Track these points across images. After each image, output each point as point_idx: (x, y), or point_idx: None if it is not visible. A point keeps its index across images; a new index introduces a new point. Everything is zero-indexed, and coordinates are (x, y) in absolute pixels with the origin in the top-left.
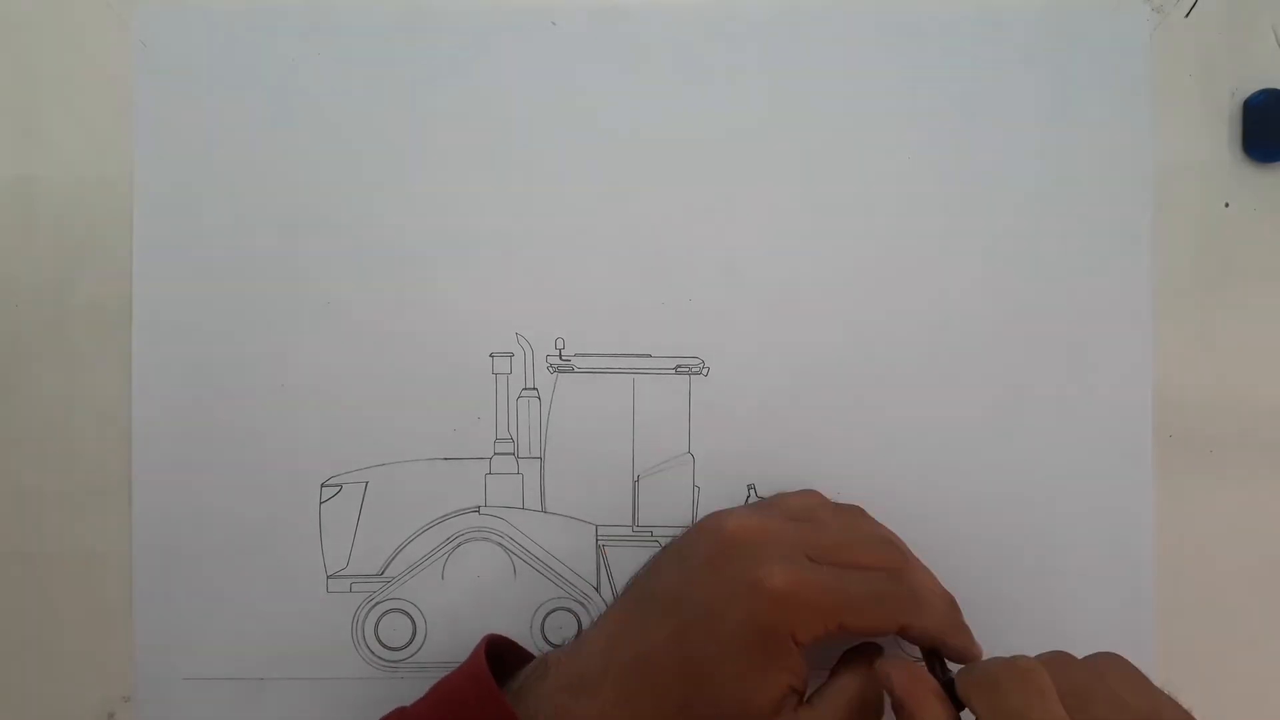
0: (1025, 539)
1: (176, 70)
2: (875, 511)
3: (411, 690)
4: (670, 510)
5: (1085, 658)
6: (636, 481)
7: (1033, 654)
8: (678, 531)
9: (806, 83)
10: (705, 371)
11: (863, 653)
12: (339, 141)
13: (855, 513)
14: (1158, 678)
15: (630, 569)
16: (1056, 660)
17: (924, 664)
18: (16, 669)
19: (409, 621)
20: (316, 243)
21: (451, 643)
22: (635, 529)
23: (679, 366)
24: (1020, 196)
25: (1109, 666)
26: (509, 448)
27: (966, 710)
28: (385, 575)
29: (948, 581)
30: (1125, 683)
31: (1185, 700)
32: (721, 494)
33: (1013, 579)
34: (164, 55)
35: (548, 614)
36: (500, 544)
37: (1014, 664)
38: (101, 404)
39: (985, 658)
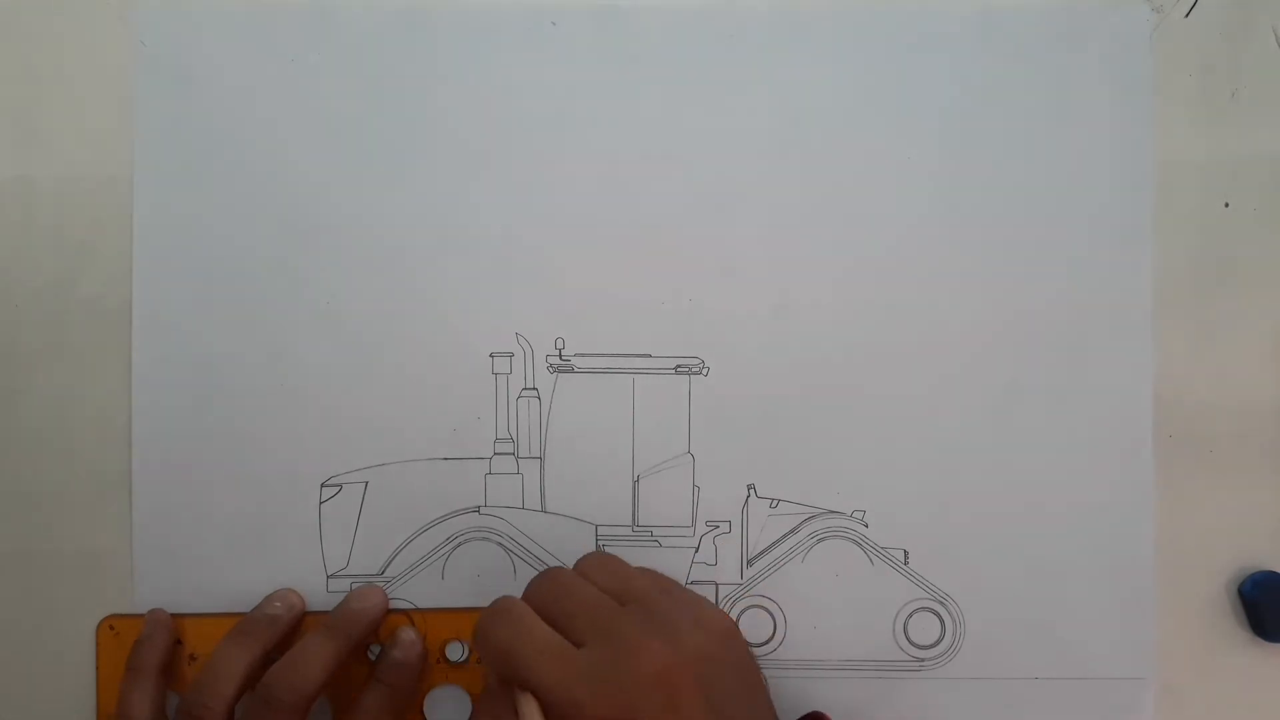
0: (1025, 538)
1: (176, 70)
2: (875, 512)
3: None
4: (670, 510)
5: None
6: (636, 481)
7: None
8: (677, 531)
9: (806, 82)
10: (705, 371)
11: None
12: (339, 141)
13: None
14: (1158, 678)
15: None
16: (539, 581)
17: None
18: (16, 669)
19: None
20: (316, 243)
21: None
22: (635, 529)
23: (679, 366)
24: (1020, 196)
25: (588, 564)
26: (509, 448)
27: None
28: (385, 575)
29: (949, 580)
30: (600, 571)
31: (1185, 700)
32: (721, 494)
33: (1013, 578)
34: (164, 55)
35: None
36: (500, 544)
37: (491, 607)
38: (101, 404)
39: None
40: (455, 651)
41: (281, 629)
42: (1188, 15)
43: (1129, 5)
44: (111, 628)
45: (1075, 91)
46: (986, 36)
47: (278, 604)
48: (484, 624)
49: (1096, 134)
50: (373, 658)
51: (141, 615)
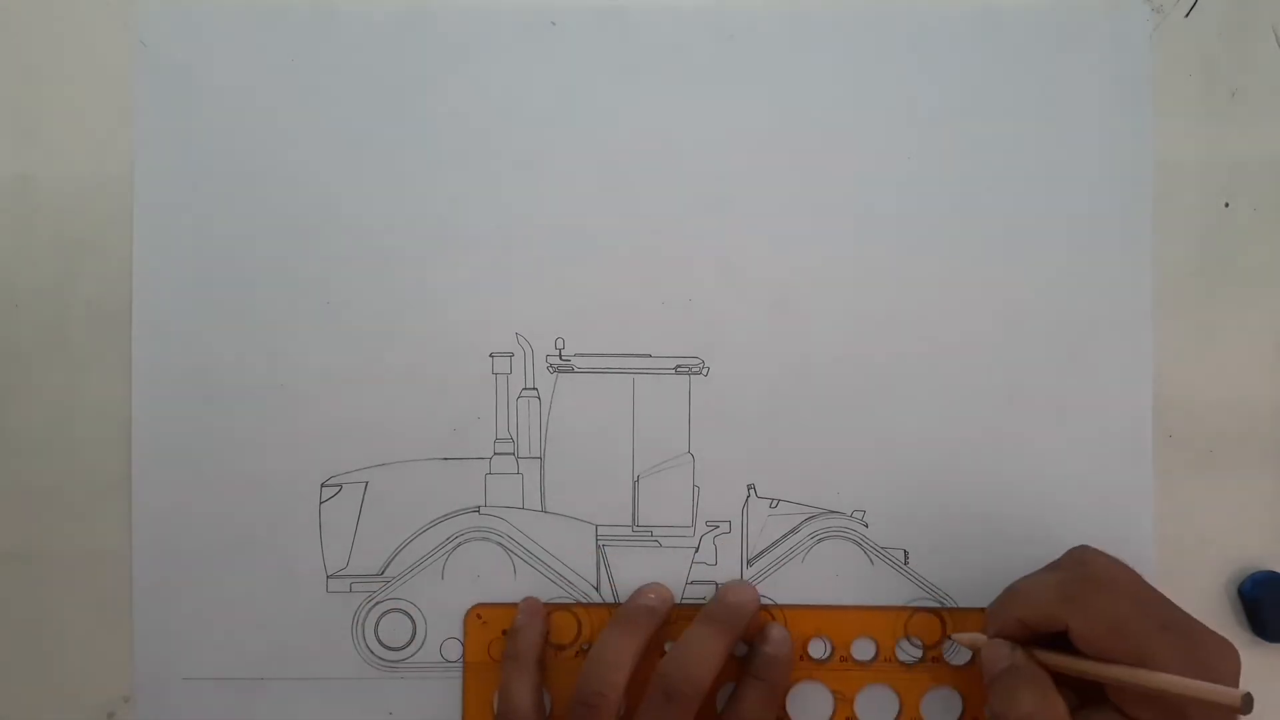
0: (1025, 539)
1: (176, 70)
2: (875, 512)
3: (411, 690)
4: (670, 510)
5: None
6: (636, 481)
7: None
8: (677, 531)
9: (806, 82)
10: (705, 371)
11: None
12: (339, 141)
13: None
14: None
15: (630, 568)
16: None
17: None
18: (16, 669)
19: (409, 621)
20: (316, 243)
21: (451, 643)
22: (635, 529)
23: (679, 366)
24: (1020, 196)
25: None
26: (509, 448)
27: None
28: (385, 575)
29: (948, 580)
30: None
31: None
32: (721, 494)
33: (1012, 579)
34: (164, 55)
35: (547, 614)
36: (500, 544)
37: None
38: (101, 404)
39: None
40: (818, 649)
41: (659, 620)
42: (1188, 15)
43: (1129, 5)
44: (479, 616)
45: (1075, 91)
46: (986, 36)
47: (652, 595)
48: (1085, 594)
49: (1096, 134)
50: (740, 655)
51: (509, 604)
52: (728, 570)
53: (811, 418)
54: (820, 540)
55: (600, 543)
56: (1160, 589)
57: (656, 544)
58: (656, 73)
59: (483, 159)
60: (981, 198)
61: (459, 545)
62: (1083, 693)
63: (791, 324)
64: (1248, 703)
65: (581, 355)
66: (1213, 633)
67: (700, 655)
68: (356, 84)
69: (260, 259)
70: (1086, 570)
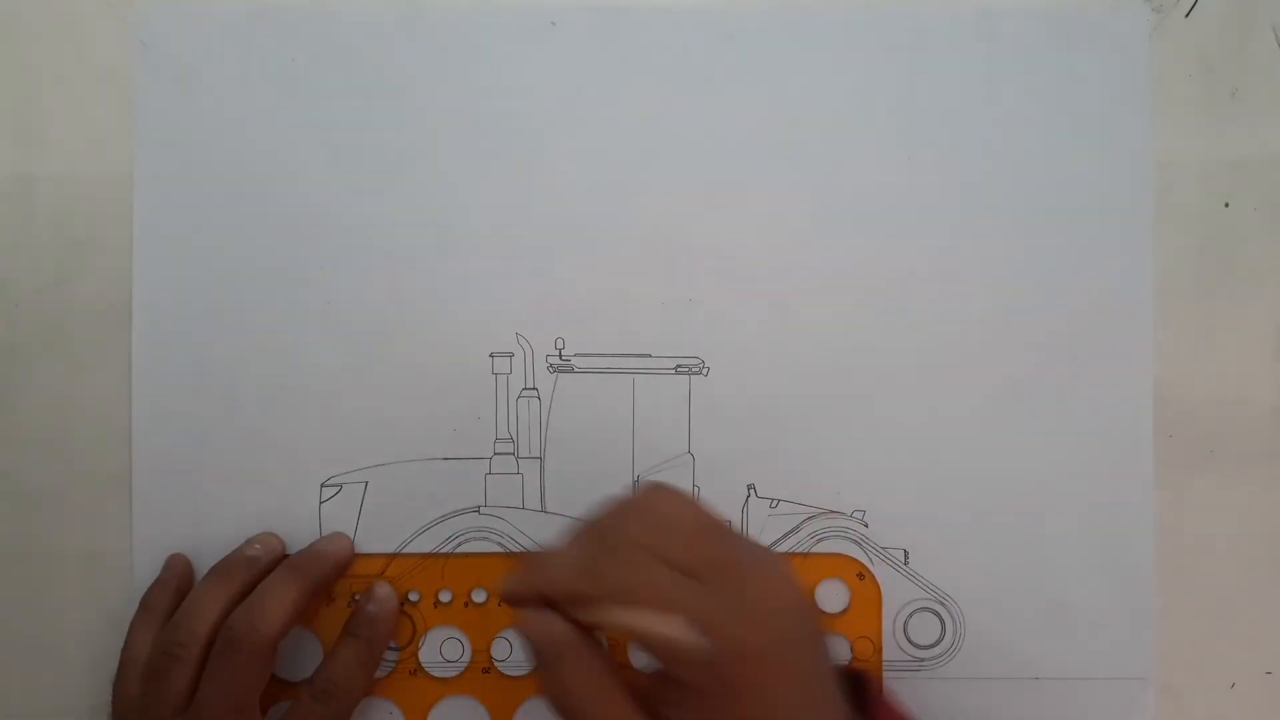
0: (1025, 538)
1: (176, 70)
2: (875, 511)
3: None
4: None
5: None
6: (636, 481)
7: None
8: None
9: (806, 81)
10: (705, 371)
11: None
12: (339, 141)
13: None
14: (1158, 678)
15: None
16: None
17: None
18: (16, 669)
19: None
20: (316, 243)
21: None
22: None
23: (679, 366)
24: (1020, 196)
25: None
26: (509, 448)
27: None
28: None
29: (949, 580)
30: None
31: (1185, 700)
32: (721, 494)
33: (1013, 579)
34: (164, 55)
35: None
36: (500, 544)
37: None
38: (101, 404)
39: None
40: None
41: (259, 570)
42: (1188, 15)
43: (1129, 5)
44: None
45: (1075, 91)
46: (985, 36)
47: (257, 546)
48: (602, 566)
49: (1096, 134)
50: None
51: None
52: None
53: (811, 418)
54: (820, 540)
55: None
56: (1160, 589)
57: None
58: (656, 73)
59: (483, 159)
60: (981, 198)
61: (459, 545)
62: None
63: (791, 324)
64: (699, 648)
65: (581, 355)
66: (761, 560)
67: (268, 605)
68: (356, 84)
69: (260, 259)
70: (603, 534)
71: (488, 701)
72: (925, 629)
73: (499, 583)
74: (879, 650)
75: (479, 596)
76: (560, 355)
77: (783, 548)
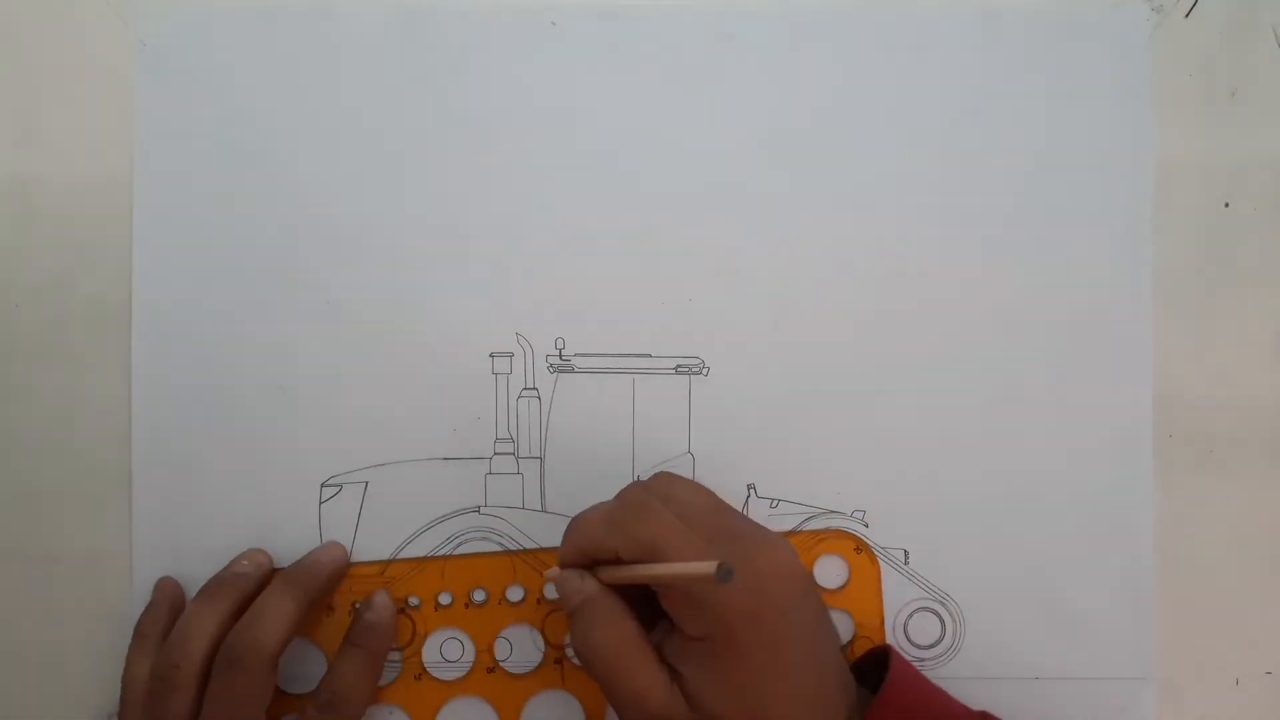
0: (1025, 539)
1: (176, 70)
2: (875, 511)
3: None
4: None
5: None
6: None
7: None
8: None
9: (806, 82)
10: (705, 371)
11: None
12: (339, 141)
13: None
14: (1158, 677)
15: None
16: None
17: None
18: (16, 669)
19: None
20: (316, 243)
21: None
22: None
23: (679, 366)
24: (1020, 196)
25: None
26: (509, 448)
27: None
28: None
29: (949, 580)
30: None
31: (1185, 700)
32: (722, 494)
33: (1012, 578)
34: (164, 55)
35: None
36: (500, 544)
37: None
38: (101, 404)
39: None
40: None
41: (249, 586)
42: (1188, 15)
43: (1129, 5)
44: None
45: (1075, 91)
46: (986, 36)
47: (245, 562)
48: (628, 524)
49: (1096, 134)
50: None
51: None
52: None
53: (811, 418)
54: (820, 540)
55: None
56: (1160, 589)
57: None
58: (656, 72)
59: (482, 159)
60: (981, 197)
61: (459, 545)
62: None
63: (791, 323)
64: (724, 573)
65: (581, 355)
66: (764, 534)
67: (266, 620)
68: (356, 84)
69: (260, 259)
70: (626, 498)
71: (494, 701)
72: (925, 629)
73: (499, 583)
74: (878, 615)
75: (479, 596)
76: (560, 355)
77: None
